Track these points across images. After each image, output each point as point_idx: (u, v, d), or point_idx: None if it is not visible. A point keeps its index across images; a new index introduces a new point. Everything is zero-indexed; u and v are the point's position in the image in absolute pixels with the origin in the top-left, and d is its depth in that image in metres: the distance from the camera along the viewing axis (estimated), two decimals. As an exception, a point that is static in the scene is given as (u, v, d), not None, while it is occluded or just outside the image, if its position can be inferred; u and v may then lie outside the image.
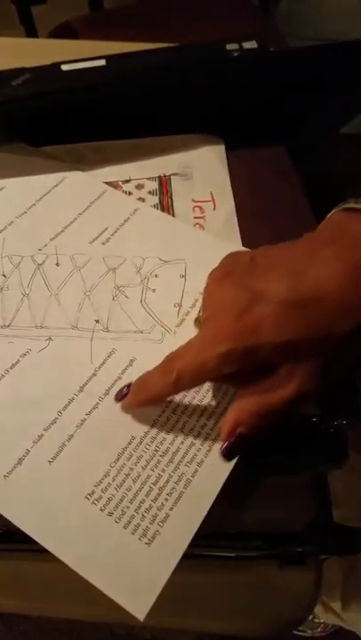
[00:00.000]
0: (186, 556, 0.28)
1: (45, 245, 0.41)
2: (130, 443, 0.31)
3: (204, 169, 0.46)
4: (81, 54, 0.45)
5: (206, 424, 0.32)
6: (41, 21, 1.04)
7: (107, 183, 0.45)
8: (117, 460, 0.31)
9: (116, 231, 0.42)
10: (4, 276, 0.39)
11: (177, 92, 0.46)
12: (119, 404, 0.33)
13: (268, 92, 0.47)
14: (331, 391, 0.31)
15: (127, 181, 0.46)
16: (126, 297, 0.38)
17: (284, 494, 0.38)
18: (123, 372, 0.34)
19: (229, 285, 0.30)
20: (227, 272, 0.31)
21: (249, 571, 0.44)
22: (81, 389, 0.33)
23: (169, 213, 0.43)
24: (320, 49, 0.46)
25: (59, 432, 0.32)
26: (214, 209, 0.43)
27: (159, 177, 0.46)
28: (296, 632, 0.89)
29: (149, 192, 0.45)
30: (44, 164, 0.46)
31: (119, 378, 0.34)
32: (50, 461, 0.31)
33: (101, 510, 0.29)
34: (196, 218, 0.43)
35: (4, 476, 0.30)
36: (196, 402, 0.33)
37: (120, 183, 0.46)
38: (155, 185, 0.45)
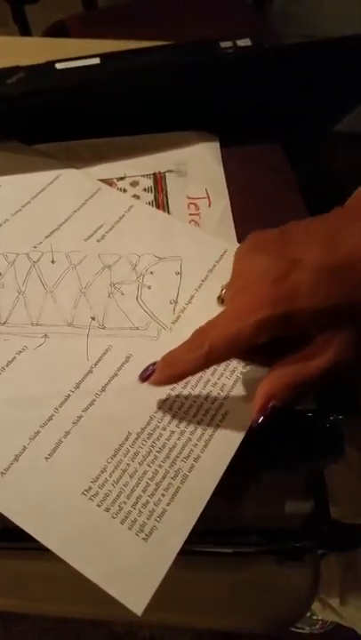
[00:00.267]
0: (184, 553, 0.28)
1: (40, 243, 0.41)
2: (126, 439, 0.31)
3: (198, 166, 0.46)
4: (75, 53, 0.45)
5: (203, 420, 0.32)
6: (35, 20, 1.03)
7: (101, 180, 0.45)
8: (114, 456, 0.31)
9: (111, 228, 0.42)
10: (0, 273, 0.39)
11: (171, 90, 0.46)
12: (115, 401, 0.33)
13: (263, 89, 0.48)
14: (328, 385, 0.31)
15: (122, 179, 0.46)
16: (122, 294, 0.38)
17: (281, 490, 0.38)
18: (119, 368, 0.34)
19: (262, 255, 0.29)
20: (256, 245, 0.30)
21: (247, 567, 0.45)
22: (77, 386, 0.33)
23: (164, 210, 0.43)
24: (315, 45, 0.46)
25: (55, 429, 0.32)
26: (209, 206, 0.43)
27: (154, 174, 0.46)
28: (294, 629, 0.89)
29: (144, 189, 0.45)
30: (38, 162, 0.46)
31: (115, 374, 0.34)
32: (46, 458, 0.31)
33: (98, 506, 0.29)
34: (191, 215, 0.43)
35: (1, 473, 0.30)
36: (192, 398, 0.33)
37: (115, 180, 0.46)
38: (149, 182, 0.45)
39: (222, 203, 0.43)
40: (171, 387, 0.33)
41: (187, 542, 0.28)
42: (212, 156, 0.47)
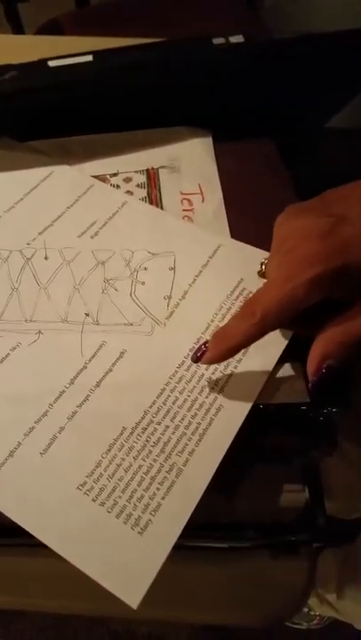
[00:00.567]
0: (180, 548, 0.28)
1: (34, 239, 0.41)
2: (121, 433, 0.31)
3: (191, 161, 0.46)
4: (68, 50, 0.45)
5: (197, 414, 0.32)
6: (28, 19, 1.03)
7: (94, 177, 0.45)
8: (109, 450, 0.31)
9: (104, 224, 0.42)
10: (-7, 270, 0.39)
11: (164, 87, 0.46)
12: (110, 396, 0.33)
13: (256, 84, 0.48)
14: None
15: (115, 175, 0.46)
16: (116, 290, 0.38)
17: (276, 483, 0.38)
18: (113, 364, 0.34)
19: (305, 216, 0.28)
20: (296, 212, 0.30)
21: (243, 562, 0.45)
22: (72, 382, 0.33)
23: (157, 206, 0.43)
24: (308, 39, 0.46)
25: (50, 424, 0.32)
26: (202, 201, 0.43)
27: (147, 170, 0.46)
28: (292, 625, 0.89)
29: (137, 185, 0.45)
30: (31, 159, 0.46)
31: (110, 370, 0.34)
32: (41, 453, 0.31)
33: (93, 500, 0.29)
34: (184, 210, 0.43)
35: (-4, 469, 0.30)
36: (187, 393, 0.33)
37: (108, 176, 0.46)
38: (143, 178, 0.45)
39: (216, 198, 0.44)
40: (165, 381, 0.33)
41: (182, 537, 0.28)
42: (206, 151, 0.47)
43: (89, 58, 0.45)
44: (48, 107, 0.45)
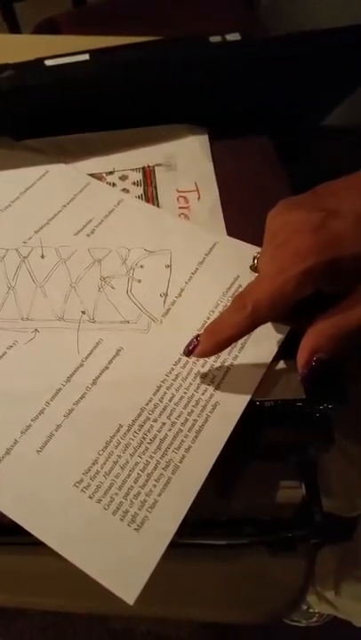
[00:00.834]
0: (178, 545, 0.28)
1: (30, 238, 0.41)
2: (118, 431, 0.31)
3: (188, 159, 0.46)
4: (65, 49, 0.45)
5: (193, 411, 0.32)
6: (24, 18, 1.03)
7: (90, 175, 0.45)
8: (105, 447, 0.31)
9: (100, 222, 0.42)
10: (-10, 269, 0.39)
11: (161, 86, 0.46)
12: (106, 394, 0.33)
13: (253, 82, 0.48)
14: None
15: (111, 173, 0.46)
16: (112, 288, 0.38)
17: (273, 480, 0.38)
18: (110, 362, 0.34)
19: (297, 210, 0.29)
20: (288, 205, 0.30)
21: (241, 560, 0.45)
22: (68, 380, 0.34)
23: (153, 204, 0.43)
24: (304, 36, 0.46)
25: (46, 422, 0.32)
26: (199, 199, 0.43)
27: (143, 168, 0.46)
28: (291, 622, 0.89)
29: (133, 183, 0.45)
30: (26, 158, 0.46)
31: (106, 368, 0.34)
32: (38, 451, 0.31)
33: (90, 497, 0.29)
34: (180, 208, 0.43)
35: (-8, 467, 0.30)
36: (183, 390, 0.33)
37: (104, 175, 0.46)
38: (139, 176, 0.45)
39: (212, 196, 0.44)
40: (161, 378, 0.33)
41: (179, 534, 0.28)
42: (202, 149, 0.47)
43: (86, 57, 0.45)
44: (44, 105, 0.45)
